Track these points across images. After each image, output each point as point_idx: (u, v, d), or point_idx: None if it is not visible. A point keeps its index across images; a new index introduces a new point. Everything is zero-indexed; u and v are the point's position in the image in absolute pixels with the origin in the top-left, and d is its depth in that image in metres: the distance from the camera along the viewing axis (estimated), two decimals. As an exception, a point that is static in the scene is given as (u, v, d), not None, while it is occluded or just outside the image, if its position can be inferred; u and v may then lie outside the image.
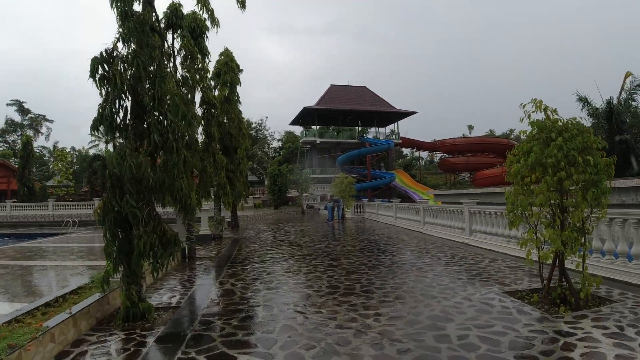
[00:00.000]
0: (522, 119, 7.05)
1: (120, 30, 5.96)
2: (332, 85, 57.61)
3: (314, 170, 51.15)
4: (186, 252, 11.25)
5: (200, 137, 11.36)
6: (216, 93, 16.30)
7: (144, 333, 5.31)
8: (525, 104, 6.99)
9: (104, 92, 5.80)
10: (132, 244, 5.38)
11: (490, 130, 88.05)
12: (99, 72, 5.76)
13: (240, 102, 17.30)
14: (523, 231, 7.19)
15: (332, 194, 28.13)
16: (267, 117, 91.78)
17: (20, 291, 7.61)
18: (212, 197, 12.63)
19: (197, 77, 11.18)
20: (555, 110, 6.92)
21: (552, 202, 6.56)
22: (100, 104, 5.81)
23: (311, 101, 52.98)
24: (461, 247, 12.49)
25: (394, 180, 48.12)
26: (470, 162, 45.78)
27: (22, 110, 67.04)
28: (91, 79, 5.74)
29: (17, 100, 66.84)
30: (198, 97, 11.69)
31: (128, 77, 5.72)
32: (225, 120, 16.03)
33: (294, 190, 41.96)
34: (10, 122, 67.18)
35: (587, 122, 40.04)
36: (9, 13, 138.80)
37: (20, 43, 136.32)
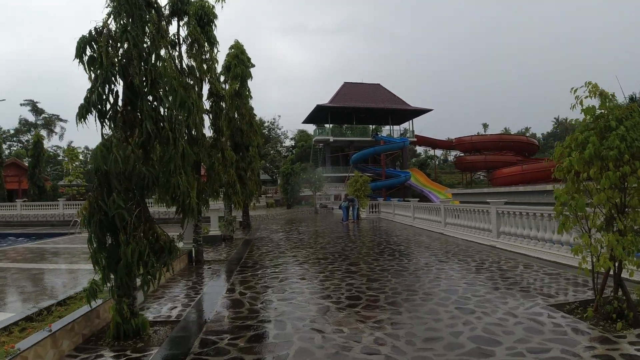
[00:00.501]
0: (573, 105, 6.12)
1: (111, 4, 5.19)
2: (345, 83, 56.71)
3: (327, 169, 50.39)
4: (193, 255, 10.50)
5: (208, 132, 10.59)
6: (226, 88, 15.57)
7: (134, 355, 4.52)
8: (577, 89, 6.05)
9: (92, 75, 5.03)
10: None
11: (505, 128, 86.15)
12: (87, 52, 4.99)
13: (251, 97, 16.54)
14: (576, 235, 6.21)
15: (347, 193, 27.26)
16: (279, 116, 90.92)
17: (10, 299, 6.91)
18: (222, 196, 11.83)
19: (205, 67, 10.43)
20: (613, 95, 5.97)
21: (613, 202, 5.61)
22: (88, 89, 5.05)
23: (324, 100, 52.18)
24: (489, 251, 11.51)
25: (409, 179, 46.99)
26: (489, 160, 44.43)
27: (36, 110, 67.48)
28: (78, 61, 4.98)
29: (30, 100, 67.34)
30: (206, 89, 10.94)
31: (119, 56, 4.94)
32: (235, 116, 15.26)
33: (307, 190, 41.20)
34: (24, 122, 67.67)
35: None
36: (20, 14, 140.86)
37: (33, 44, 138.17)
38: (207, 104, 10.63)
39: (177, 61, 9.60)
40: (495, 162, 43.97)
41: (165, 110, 5.07)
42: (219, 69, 14.69)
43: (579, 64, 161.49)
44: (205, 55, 10.49)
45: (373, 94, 55.82)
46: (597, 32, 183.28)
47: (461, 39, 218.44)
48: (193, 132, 9.79)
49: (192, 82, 10.04)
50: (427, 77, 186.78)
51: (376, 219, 26.88)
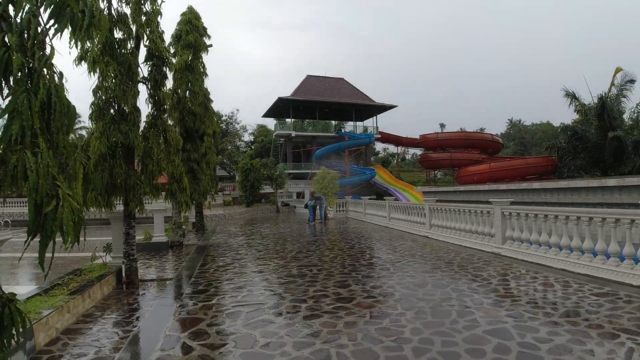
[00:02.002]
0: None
1: None
2: (308, 76, 54.28)
3: (288, 165, 47.77)
4: (122, 274, 7.71)
5: (146, 108, 7.82)
6: (174, 62, 12.70)
7: None
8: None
9: None
10: None
11: (461, 128, 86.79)
12: None
13: (207, 75, 13.71)
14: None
15: (313, 190, 24.88)
16: (237, 110, 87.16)
17: None
18: (164, 194, 9.02)
19: (143, 19, 7.66)
20: None
21: None
22: None
23: (286, 95, 49.43)
24: (497, 260, 9.49)
25: (375, 176, 45.31)
26: (454, 158, 43.45)
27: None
28: None
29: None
30: (144, 55, 8.14)
31: None
32: (186, 95, 12.43)
33: (268, 187, 38.44)
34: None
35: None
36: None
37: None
38: (145, 69, 7.85)
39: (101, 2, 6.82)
40: (460, 160, 43.05)
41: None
42: (167, 39, 11.87)
43: (530, 64, 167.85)
44: (145, 4, 7.72)
45: (337, 89, 53.75)
46: (555, 31, 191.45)
47: (420, 38, 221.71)
48: (123, 107, 7.05)
49: (123, 36, 7.27)
50: (387, 76, 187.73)
51: (344, 219, 24.67)
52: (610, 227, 7.89)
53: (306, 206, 23.62)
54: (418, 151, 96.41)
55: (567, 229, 9.03)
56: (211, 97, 15.00)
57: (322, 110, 51.77)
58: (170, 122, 8.60)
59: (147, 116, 7.68)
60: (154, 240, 12.60)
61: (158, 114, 7.62)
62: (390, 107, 53.64)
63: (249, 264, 9.61)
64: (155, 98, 7.55)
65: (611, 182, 15.88)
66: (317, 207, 22.78)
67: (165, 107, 7.69)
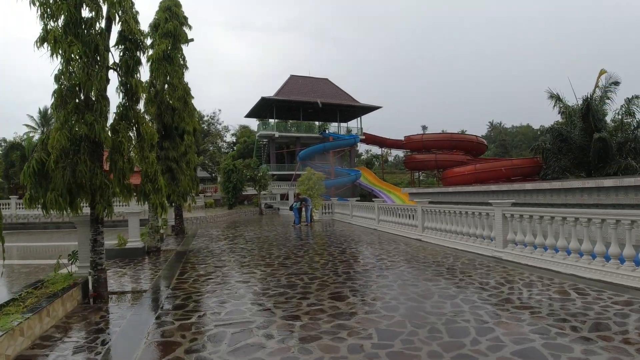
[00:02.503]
0: None
1: None
2: (292, 76, 53.46)
3: (272, 166, 46.79)
4: (89, 286, 6.77)
5: (119, 98, 6.91)
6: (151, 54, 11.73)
7: None
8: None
9: None
10: None
11: (442, 130, 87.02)
12: None
13: (187, 68, 12.74)
14: None
15: (298, 192, 24.06)
16: (220, 110, 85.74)
17: None
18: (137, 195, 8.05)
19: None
20: None
21: None
22: None
23: (269, 95, 48.49)
24: (499, 265, 8.87)
25: (360, 177, 44.73)
26: (439, 159, 43.19)
27: None
28: None
29: None
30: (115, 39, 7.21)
31: None
32: (165, 88, 11.47)
33: (251, 188, 37.41)
34: None
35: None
36: None
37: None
38: (116, 56, 6.93)
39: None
40: (446, 161, 42.82)
41: None
42: (145, 28, 10.94)
43: (509, 71, 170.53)
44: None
45: (321, 89, 53.05)
46: (533, 40, 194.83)
47: (402, 43, 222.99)
48: (89, 95, 6.16)
49: (91, 14, 6.36)
50: (370, 80, 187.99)
51: (330, 221, 23.93)
52: (625, 229, 7.34)
53: (291, 208, 22.80)
54: (400, 153, 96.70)
55: (575, 231, 8.46)
56: (192, 93, 14.04)
57: (306, 111, 50.98)
58: (147, 117, 7.68)
59: (118, 107, 6.76)
60: (128, 246, 11.61)
61: (130, 104, 6.71)
62: (375, 108, 53.22)
63: (232, 273, 8.74)
64: (127, 86, 6.63)
65: (608, 182, 15.53)
66: (303, 209, 21.99)
67: (139, 96, 6.77)
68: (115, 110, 6.76)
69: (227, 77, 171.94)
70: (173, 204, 16.54)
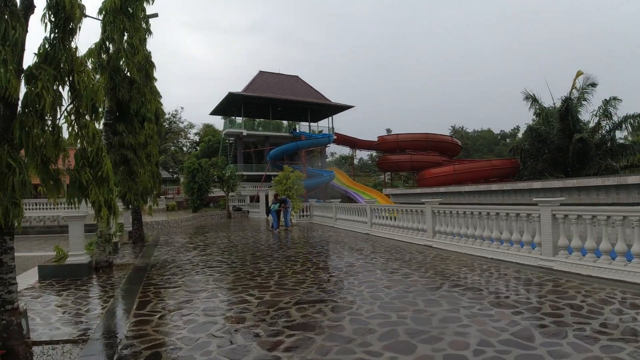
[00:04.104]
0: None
1: None
2: (260, 72, 50.67)
3: (239, 166, 43.77)
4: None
5: (45, 31, 4.26)
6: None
7: None
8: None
9: None
10: None
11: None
12: None
13: (150, 33, 10.02)
14: None
15: (277, 192, 21.52)
16: (182, 108, 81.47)
17: None
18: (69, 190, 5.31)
19: None
20: None
21: None
22: None
23: (237, 91, 45.54)
24: (559, 280, 6.81)
25: (333, 178, 42.59)
26: (414, 160, 41.73)
27: None
28: None
29: None
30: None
31: None
32: (119, 51, 8.72)
33: (218, 189, 34.40)
34: None
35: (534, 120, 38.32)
36: None
37: None
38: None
39: None
40: (421, 162, 41.41)
41: None
42: None
43: (467, 78, 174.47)
44: None
45: (291, 87, 50.58)
46: (494, 47, 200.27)
47: (371, 47, 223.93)
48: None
49: None
50: (336, 85, 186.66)
51: (309, 225, 21.57)
52: None
53: (269, 211, 20.24)
54: (365, 155, 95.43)
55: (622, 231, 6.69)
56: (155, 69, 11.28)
57: (275, 109, 48.31)
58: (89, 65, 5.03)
59: (42, 44, 4.16)
60: (69, 261, 8.76)
61: (61, 37, 4.11)
62: (347, 107, 51.32)
63: (216, 302, 6.18)
64: (58, 7, 4.04)
65: (632, 179, 14.05)
66: (282, 211, 19.50)
67: (75, 26, 4.18)
68: (36, 52, 4.15)
69: (192, 78, 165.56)
70: (130, 206, 13.68)
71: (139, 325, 5.04)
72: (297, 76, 53.60)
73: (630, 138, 37.34)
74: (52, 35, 4.20)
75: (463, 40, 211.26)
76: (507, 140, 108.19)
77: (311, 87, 52.51)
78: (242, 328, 4.85)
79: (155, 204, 14.83)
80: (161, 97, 12.77)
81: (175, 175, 51.88)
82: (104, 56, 8.71)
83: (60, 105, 4.18)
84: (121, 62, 8.74)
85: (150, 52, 10.09)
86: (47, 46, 4.10)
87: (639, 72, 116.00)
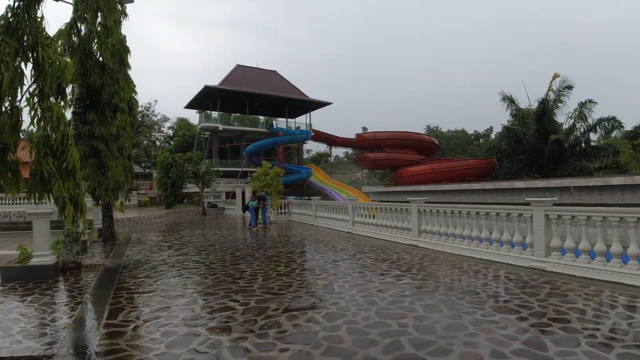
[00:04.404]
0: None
1: None
2: (238, 66, 49.66)
3: (214, 162, 42.74)
4: None
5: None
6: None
7: None
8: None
9: None
10: None
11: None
12: None
13: (126, 15, 9.23)
14: None
15: (254, 189, 20.90)
16: (156, 101, 79.26)
17: None
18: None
19: None
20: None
21: None
22: None
23: (213, 84, 44.41)
24: (553, 281, 6.58)
25: (311, 175, 42.16)
26: (392, 158, 41.74)
27: None
28: None
29: None
30: None
31: None
32: (95, 31, 7.97)
33: (192, 185, 33.41)
34: None
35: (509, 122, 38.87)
36: None
37: None
38: None
39: None
40: (399, 160, 41.44)
41: None
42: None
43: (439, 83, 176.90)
44: None
45: (269, 82, 49.77)
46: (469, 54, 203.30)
47: (355, 49, 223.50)
48: None
49: None
50: (313, 85, 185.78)
51: (287, 223, 21.08)
52: None
53: (246, 208, 19.62)
54: (340, 153, 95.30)
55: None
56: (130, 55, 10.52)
57: (253, 104, 47.42)
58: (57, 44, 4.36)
59: (5, 13, 3.53)
60: (33, 262, 8.00)
61: (25, 5, 3.50)
62: (325, 104, 50.98)
63: (197, 309, 5.64)
64: None
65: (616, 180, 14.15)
66: (260, 208, 18.92)
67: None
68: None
69: (166, 72, 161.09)
70: (100, 202, 12.87)
71: (110, 339, 4.46)
72: (275, 71, 52.83)
73: (602, 140, 38.34)
74: (17, 3, 3.57)
75: (441, 46, 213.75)
76: (481, 140, 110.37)
77: (289, 82, 51.85)
78: (228, 341, 4.34)
79: (127, 199, 14.04)
80: (135, 86, 11.99)
81: (148, 170, 50.30)
82: (74, 38, 7.96)
83: (22, 84, 3.57)
84: (93, 45, 7.99)
85: (125, 36, 9.34)
86: (9, 15, 3.48)
87: (612, 77, 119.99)
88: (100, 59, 8.52)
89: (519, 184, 16.32)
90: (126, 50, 8.80)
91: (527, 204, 8.39)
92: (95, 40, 7.89)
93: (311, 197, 21.44)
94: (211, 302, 5.82)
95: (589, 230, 7.54)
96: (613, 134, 43.96)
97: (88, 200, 16.52)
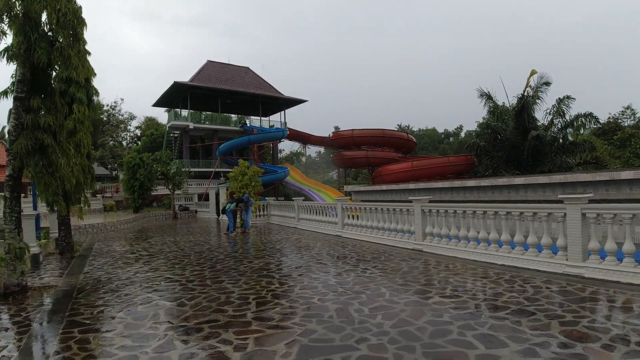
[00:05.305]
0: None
1: None
2: (209, 62, 47.48)
3: (185, 162, 40.48)
4: None
5: None
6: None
7: None
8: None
9: None
10: None
11: (352, 131, 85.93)
12: None
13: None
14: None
15: (232, 190, 19.24)
16: (122, 100, 75.60)
17: None
18: None
19: None
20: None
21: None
22: None
23: (183, 80, 42.20)
24: (596, 290, 5.46)
25: (288, 175, 40.64)
26: (370, 156, 40.74)
27: None
28: None
29: None
30: None
31: None
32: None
33: (162, 187, 31.29)
34: None
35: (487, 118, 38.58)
36: None
37: None
38: None
39: None
40: (378, 158, 40.49)
41: None
42: None
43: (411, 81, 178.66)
44: None
45: (242, 78, 47.85)
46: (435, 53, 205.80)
47: (319, 47, 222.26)
48: None
49: None
50: (286, 81, 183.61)
51: (266, 226, 19.60)
52: None
53: (223, 211, 17.95)
54: (313, 153, 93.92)
55: None
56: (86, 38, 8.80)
57: (225, 101, 45.41)
58: None
59: None
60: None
61: None
62: (300, 101, 49.49)
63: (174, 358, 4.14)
64: None
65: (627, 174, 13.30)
66: (241, 212, 17.31)
67: None
68: None
69: (133, 70, 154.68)
70: (54, 208, 11.04)
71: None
72: (247, 67, 50.89)
73: (570, 138, 38.56)
74: None
75: (410, 46, 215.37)
76: (451, 139, 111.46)
77: (263, 79, 50.05)
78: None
79: (86, 204, 12.25)
80: (95, 71, 10.25)
81: (115, 172, 47.44)
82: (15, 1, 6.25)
83: None
84: (37, 9, 6.26)
85: (80, 7, 7.65)
86: None
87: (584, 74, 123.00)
88: (50, 33, 6.82)
89: (518, 180, 15.39)
90: (81, 23, 7.10)
91: (560, 201, 7.27)
92: (43, 2, 6.16)
93: (293, 199, 19.94)
94: (193, 347, 4.30)
95: (627, 229, 6.52)
96: (582, 131, 44.23)
97: (42, 206, 14.52)
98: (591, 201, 7.13)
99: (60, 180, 7.10)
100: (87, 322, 5.28)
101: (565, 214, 7.18)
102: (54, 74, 7.91)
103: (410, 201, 10.75)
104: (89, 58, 9.82)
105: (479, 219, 8.85)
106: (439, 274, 7.41)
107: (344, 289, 6.48)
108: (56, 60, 6.90)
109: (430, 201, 10.49)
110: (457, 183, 18.04)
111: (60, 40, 6.97)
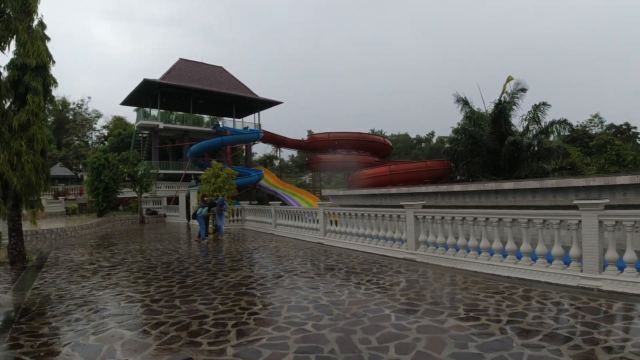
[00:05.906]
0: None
1: None
2: (181, 59, 45.81)
3: (154, 163, 38.64)
4: None
5: None
6: None
7: None
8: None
9: None
10: None
11: (328, 135, 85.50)
12: None
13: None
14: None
15: (204, 193, 18.00)
16: (89, 98, 72.48)
17: None
18: None
19: None
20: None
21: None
22: None
23: (154, 78, 40.41)
24: (615, 304, 4.81)
25: (262, 178, 39.43)
26: (347, 159, 40.09)
27: None
28: None
29: None
30: None
31: None
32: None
33: (129, 190, 29.55)
34: None
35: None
36: None
37: None
38: None
39: None
40: (354, 162, 39.87)
41: None
42: None
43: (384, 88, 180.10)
44: None
45: (215, 78, 46.39)
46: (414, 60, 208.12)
47: (297, 53, 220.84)
48: None
49: None
50: (259, 83, 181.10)
51: (241, 232, 18.52)
52: None
53: (194, 216, 16.71)
54: (286, 157, 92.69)
55: None
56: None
57: (197, 101, 43.83)
58: None
59: None
60: None
61: None
62: (275, 103, 48.39)
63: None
64: None
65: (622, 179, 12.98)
66: (213, 217, 16.14)
67: None
68: None
69: (101, 69, 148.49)
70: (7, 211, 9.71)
71: None
72: (221, 67, 49.45)
73: (541, 144, 39.08)
74: None
75: (385, 55, 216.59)
76: (423, 145, 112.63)
77: (237, 79, 48.73)
78: None
79: (39, 208, 10.90)
80: (54, 62, 9.00)
81: (79, 174, 44.89)
82: None
83: None
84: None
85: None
86: None
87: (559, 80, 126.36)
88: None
89: (508, 185, 14.94)
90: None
91: (575, 207, 6.61)
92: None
93: (270, 203, 18.89)
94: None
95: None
96: (552, 138, 44.78)
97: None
98: (607, 207, 6.51)
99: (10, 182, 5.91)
100: (28, 357, 4.16)
101: (579, 221, 6.54)
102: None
103: (401, 206, 9.96)
104: (48, 44, 8.62)
105: (479, 226, 8.14)
106: (443, 289, 6.61)
107: (340, 311, 5.56)
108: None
109: (424, 206, 9.73)
110: (442, 187, 17.50)
111: (8, 12, 5.81)
